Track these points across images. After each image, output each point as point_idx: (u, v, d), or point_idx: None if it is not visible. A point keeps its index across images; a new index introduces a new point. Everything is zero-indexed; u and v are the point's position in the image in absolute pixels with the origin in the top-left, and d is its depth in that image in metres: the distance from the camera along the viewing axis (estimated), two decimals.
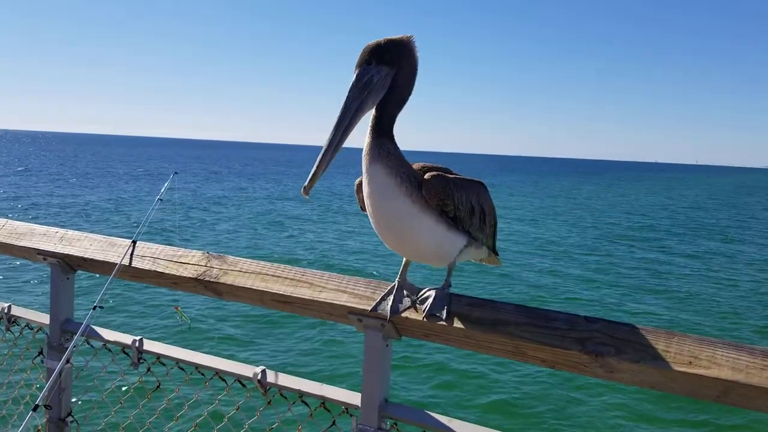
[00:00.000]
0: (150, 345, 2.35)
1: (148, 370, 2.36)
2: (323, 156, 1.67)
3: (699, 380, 1.47)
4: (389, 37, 1.74)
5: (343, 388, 2.02)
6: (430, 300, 1.82)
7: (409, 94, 1.79)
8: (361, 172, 1.76)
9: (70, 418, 2.50)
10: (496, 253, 2.13)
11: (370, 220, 1.80)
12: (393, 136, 1.76)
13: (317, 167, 1.65)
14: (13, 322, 2.73)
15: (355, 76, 1.72)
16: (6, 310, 2.73)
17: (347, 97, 1.70)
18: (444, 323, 1.76)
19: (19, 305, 2.76)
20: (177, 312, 2.71)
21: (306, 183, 1.64)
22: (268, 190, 46.95)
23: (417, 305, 1.84)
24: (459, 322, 1.75)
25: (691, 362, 1.48)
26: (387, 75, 1.73)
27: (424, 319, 1.79)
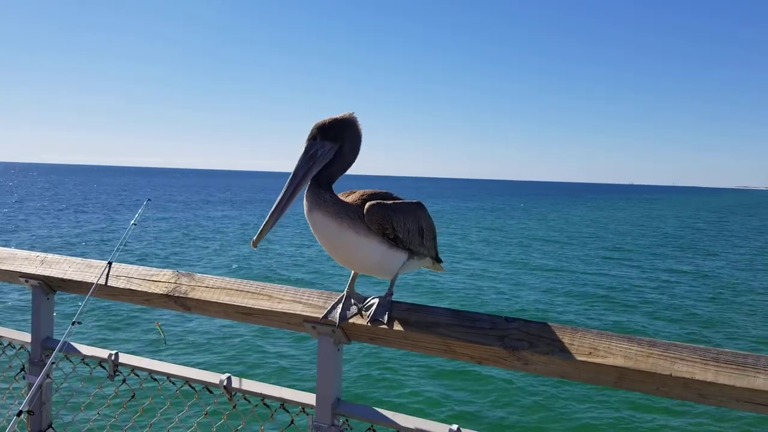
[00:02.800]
0: (125, 358, 2.54)
1: (124, 381, 2.54)
2: (272, 214, 1.91)
3: (598, 368, 1.71)
4: (333, 116, 1.99)
5: (300, 390, 2.23)
6: (374, 307, 2.05)
7: (352, 161, 2.04)
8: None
9: (50, 430, 2.68)
10: (439, 261, 2.38)
11: (323, 248, 2.04)
12: (331, 188, 2.01)
13: (265, 224, 1.90)
14: None
15: (304, 148, 1.98)
16: None
17: (296, 165, 1.96)
18: (385, 327, 1.99)
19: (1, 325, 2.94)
20: (157, 327, 2.91)
21: (255, 237, 1.90)
22: (240, 216, 48.80)
23: (363, 312, 2.07)
24: (398, 326, 1.98)
25: (591, 353, 1.72)
26: (330, 149, 1.99)
27: (369, 324, 2.02)
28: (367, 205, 2.00)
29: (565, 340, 1.77)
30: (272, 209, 1.92)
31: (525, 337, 1.81)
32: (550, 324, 1.84)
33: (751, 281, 23.70)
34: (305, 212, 1.97)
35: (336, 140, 1.99)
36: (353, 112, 2.02)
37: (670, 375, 1.61)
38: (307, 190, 1.98)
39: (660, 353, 1.66)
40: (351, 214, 1.98)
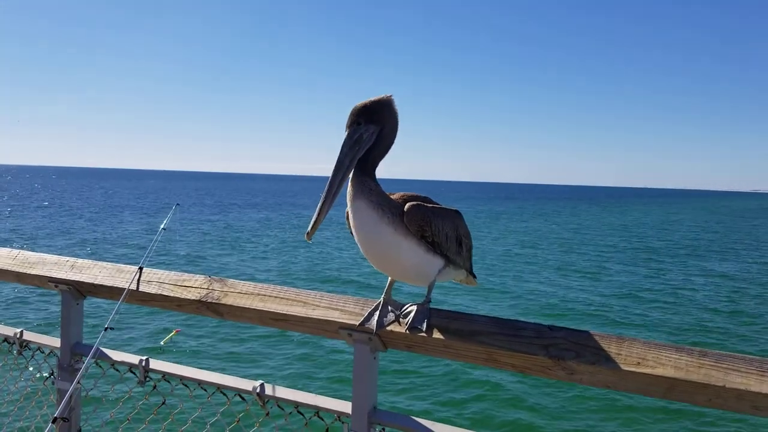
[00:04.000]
0: (155, 364, 2.52)
1: (154, 387, 2.53)
2: (323, 205, 1.89)
3: (647, 379, 1.67)
4: (373, 98, 1.98)
5: (335, 398, 2.21)
6: (412, 314, 2.02)
7: (391, 144, 2.03)
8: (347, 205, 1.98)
9: None
10: (473, 275, 2.35)
11: (359, 246, 2.01)
12: (375, 175, 1.99)
13: (318, 215, 1.87)
14: (24, 346, 2.90)
15: (346, 134, 1.95)
16: (18, 335, 2.90)
17: (341, 152, 1.93)
18: (424, 335, 1.96)
19: (30, 330, 2.94)
20: (173, 334, 2.90)
21: (309, 229, 1.87)
22: (271, 219, 48.56)
23: (400, 319, 2.04)
24: (438, 333, 1.95)
25: (639, 363, 1.68)
26: (374, 132, 1.97)
27: (407, 332, 1.99)
28: (407, 205, 1.98)
29: (612, 349, 1.73)
30: (322, 200, 1.90)
31: (570, 347, 1.77)
32: (594, 333, 1.80)
33: None
34: (348, 199, 1.95)
35: (378, 123, 1.97)
36: (391, 95, 2.00)
37: (724, 386, 1.57)
38: (352, 176, 1.96)
39: (712, 364, 1.62)
40: (393, 209, 1.95)
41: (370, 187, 1.95)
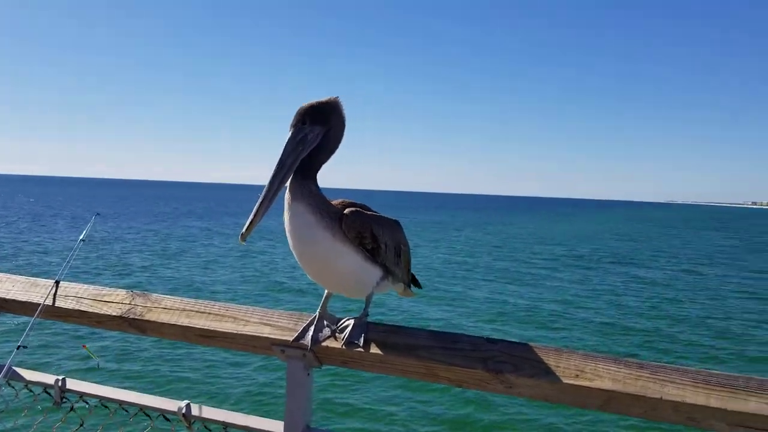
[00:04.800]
0: (73, 384, 2.36)
1: (72, 409, 2.37)
2: (260, 206, 1.79)
3: (585, 391, 1.65)
4: (320, 99, 1.90)
5: (267, 417, 2.11)
6: (349, 329, 1.95)
7: (337, 147, 1.95)
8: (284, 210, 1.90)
9: None
10: (414, 286, 2.30)
11: (293, 253, 1.92)
12: (316, 179, 1.92)
13: (254, 216, 1.78)
14: None
15: (290, 134, 1.87)
16: None
17: (283, 152, 1.84)
18: (361, 350, 1.89)
19: None
20: (86, 350, 2.74)
21: (243, 230, 1.76)
22: (200, 228, 47.07)
23: (337, 334, 1.97)
24: (375, 348, 1.88)
25: (577, 375, 1.67)
26: (319, 134, 1.89)
27: (343, 347, 1.92)
28: (346, 210, 1.91)
29: (551, 362, 1.71)
30: (260, 201, 1.80)
31: (509, 360, 1.74)
32: (533, 345, 1.78)
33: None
34: (286, 202, 1.87)
35: (324, 124, 1.90)
36: (338, 96, 1.93)
37: (661, 398, 1.57)
38: (292, 179, 1.87)
39: (649, 375, 1.62)
40: (331, 214, 1.88)
41: (310, 190, 1.87)
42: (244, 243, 1.80)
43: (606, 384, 1.63)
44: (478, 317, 18.27)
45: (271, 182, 1.82)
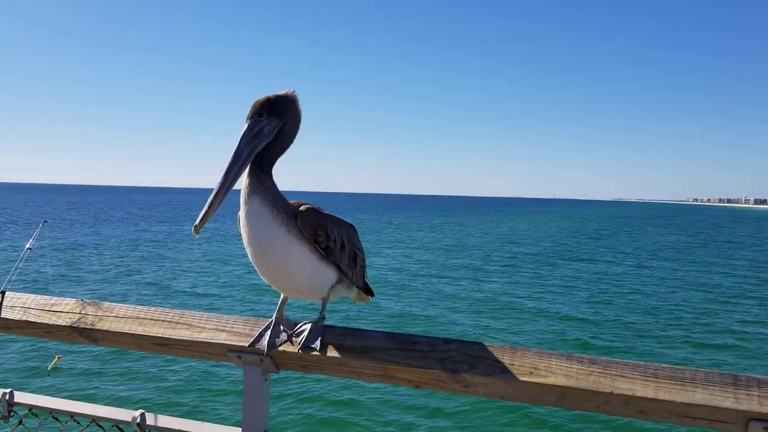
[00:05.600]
0: (21, 396, 2.29)
1: (20, 423, 2.30)
2: (214, 198, 1.78)
3: (539, 388, 1.69)
4: (277, 92, 1.90)
5: (224, 424, 2.09)
6: (306, 333, 1.94)
7: (291, 142, 1.95)
8: (240, 205, 1.88)
9: None
10: (366, 292, 2.30)
11: (247, 250, 1.90)
12: (272, 174, 1.91)
13: (208, 208, 1.76)
14: None
15: (246, 126, 1.86)
16: None
17: (239, 144, 1.83)
18: (318, 353, 1.89)
19: None
20: (56, 361, 2.66)
21: (197, 222, 1.75)
22: (146, 234, 46.04)
23: (293, 339, 1.96)
24: (333, 351, 1.88)
25: (532, 372, 1.70)
26: (275, 126, 1.89)
27: (300, 351, 1.91)
28: (302, 207, 1.91)
29: (506, 360, 1.74)
30: (214, 192, 1.79)
31: (465, 359, 1.77)
32: (488, 344, 1.80)
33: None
34: (242, 195, 1.85)
35: (281, 118, 1.90)
36: (294, 90, 1.93)
37: (612, 393, 1.61)
38: (249, 172, 1.86)
39: (601, 371, 1.66)
40: (288, 211, 1.88)
41: (266, 185, 1.86)
42: (197, 235, 1.78)
43: (560, 380, 1.67)
44: (436, 317, 18.46)
45: (227, 173, 1.82)
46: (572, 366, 1.69)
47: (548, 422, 10.02)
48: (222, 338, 2.00)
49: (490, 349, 1.78)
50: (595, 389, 1.63)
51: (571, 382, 1.66)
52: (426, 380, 1.81)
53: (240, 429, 1.99)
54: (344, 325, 1.99)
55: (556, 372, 1.69)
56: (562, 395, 1.68)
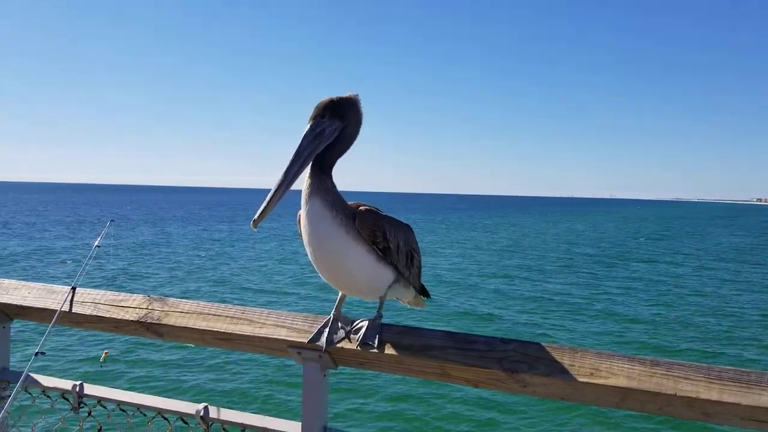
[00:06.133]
0: (91, 389, 2.38)
1: (89, 414, 2.39)
2: (273, 194, 1.83)
3: (600, 389, 1.67)
4: (340, 95, 1.94)
5: (284, 418, 2.13)
6: (363, 330, 1.97)
7: (352, 144, 1.99)
8: (301, 205, 1.92)
9: None
10: (422, 295, 2.31)
11: (307, 250, 1.94)
12: (332, 175, 1.95)
13: (267, 203, 1.81)
14: None
15: (308, 127, 1.90)
16: None
17: (300, 144, 1.87)
18: (376, 351, 1.91)
19: None
20: (104, 356, 2.75)
21: (256, 216, 1.79)
22: (207, 233, 47.45)
23: (351, 336, 1.99)
24: (390, 349, 1.91)
25: (592, 373, 1.69)
26: (337, 128, 1.92)
27: (358, 348, 1.94)
28: (361, 209, 1.94)
29: (565, 361, 1.73)
30: (274, 189, 1.84)
31: (523, 359, 1.76)
32: (547, 345, 1.80)
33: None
34: (303, 195, 1.90)
35: (342, 120, 1.93)
36: (357, 94, 1.97)
37: (675, 394, 1.59)
38: (310, 173, 1.90)
39: (663, 372, 1.64)
40: (347, 212, 1.91)
41: (326, 186, 1.90)
42: (255, 230, 1.83)
43: (621, 381, 1.65)
44: (492, 316, 18.38)
45: (287, 171, 1.86)
46: (634, 367, 1.67)
47: (606, 421, 9.87)
48: (282, 334, 2.05)
49: (549, 349, 1.78)
50: (657, 391, 1.61)
51: (633, 384, 1.64)
52: (484, 380, 1.81)
53: (300, 424, 2.03)
54: (400, 323, 2.01)
55: (618, 373, 1.67)
56: (623, 397, 1.66)
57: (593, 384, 1.67)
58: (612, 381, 1.66)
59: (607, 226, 78.14)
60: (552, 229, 66.59)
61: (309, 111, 1.93)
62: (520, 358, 1.77)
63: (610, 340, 15.58)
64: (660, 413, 1.64)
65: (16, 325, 2.69)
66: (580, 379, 1.69)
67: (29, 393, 2.50)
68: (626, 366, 1.68)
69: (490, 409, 10.48)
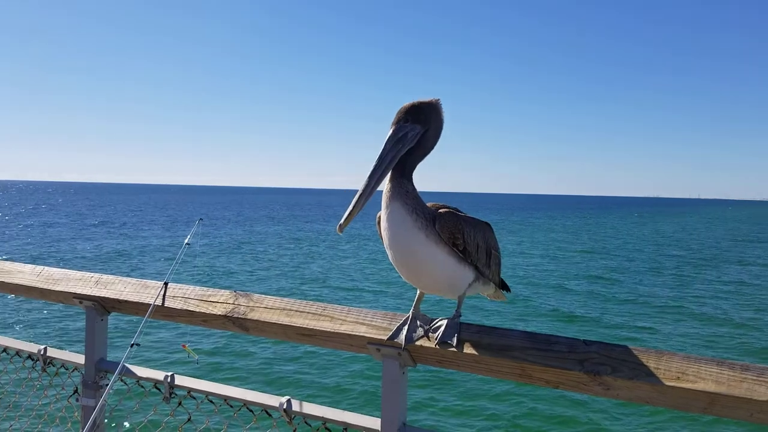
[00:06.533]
0: (181, 380, 2.50)
1: (180, 404, 2.51)
2: (359, 198, 1.87)
3: (687, 393, 1.63)
4: (422, 99, 1.97)
5: (364, 414, 2.17)
6: (442, 328, 1.99)
7: (432, 148, 2.01)
8: (381, 208, 1.96)
9: None
10: (503, 289, 2.32)
11: (387, 252, 1.98)
12: (412, 178, 1.98)
13: (353, 207, 1.85)
14: (48, 363, 2.89)
15: (392, 131, 1.94)
16: (42, 352, 2.89)
17: (383, 148, 1.91)
18: (455, 349, 1.93)
19: (54, 347, 2.93)
20: (185, 350, 2.88)
21: (342, 221, 1.84)
22: (296, 232, 49.01)
23: (430, 334, 2.01)
24: (469, 348, 1.91)
25: (679, 377, 1.64)
26: (418, 132, 1.95)
27: (437, 346, 1.96)
28: (440, 211, 1.96)
29: (651, 364, 1.69)
30: (359, 194, 1.88)
31: (606, 361, 1.73)
32: (632, 347, 1.76)
33: None
34: (384, 199, 1.93)
35: (424, 124, 1.96)
36: (439, 99, 1.99)
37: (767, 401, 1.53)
38: (391, 176, 1.94)
39: (754, 378, 1.57)
40: (426, 215, 1.93)
41: (407, 190, 1.93)
42: (341, 233, 1.88)
43: (709, 386, 1.60)
44: (573, 317, 18.10)
45: (371, 176, 1.89)
46: (723, 372, 1.62)
47: (690, 426, 9.53)
48: (362, 331, 2.09)
49: (634, 352, 1.74)
50: (749, 397, 1.55)
51: (722, 389, 1.59)
52: (565, 381, 1.79)
53: (379, 420, 2.07)
54: (479, 322, 2.02)
55: (706, 378, 1.62)
56: (711, 402, 1.61)
57: (679, 388, 1.63)
58: (700, 385, 1.61)
59: (697, 227, 75.06)
60: (637, 230, 64.59)
61: (391, 115, 1.97)
62: (603, 361, 1.74)
63: (698, 344, 14.99)
64: (750, 420, 1.58)
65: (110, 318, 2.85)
66: (667, 383, 1.64)
67: (124, 382, 2.65)
68: (714, 370, 1.63)
69: (570, 407, 10.33)
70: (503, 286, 2.31)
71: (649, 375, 1.67)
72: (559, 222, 80.00)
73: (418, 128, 1.95)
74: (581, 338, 1.83)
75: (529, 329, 1.97)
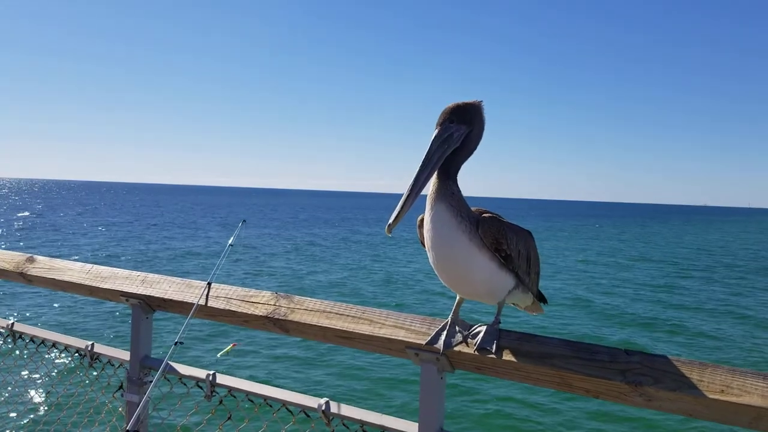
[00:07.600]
0: (222, 379, 2.55)
1: (221, 402, 2.55)
2: (407, 198, 1.88)
3: (731, 407, 1.59)
4: (466, 100, 1.98)
5: (402, 418, 2.18)
6: (481, 335, 1.98)
7: (475, 149, 2.02)
8: (425, 210, 1.97)
9: None
10: (541, 301, 2.30)
11: (429, 255, 1.98)
12: (457, 180, 1.98)
13: (401, 208, 1.87)
14: (95, 358, 2.98)
15: (437, 131, 1.95)
16: (89, 348, 2.98)
17: (429, 149, 1.93)
18: (494, 356, 1.92)
19: (101, 343, 3.02)
20: (229, 349, 2.92)
21: (390, 221, 1.85)
22: (334, 235, 49.36)
23: (468, 340, 2.00)
24: (509, 355, 1.90)
25: (723, 390, 1.61)
26: (463, 133, 1.96)
27: (476, 353, 1.95)
28: (484, 216, 1.95)
29: (694, 376, 1.66)
30: (406, 195, 1.89)
31: (648, 372, 1.71)
32: (674, 358, 1.73)
33: None
34: (429, 200, 1.94)
35: (468, 124, 1.97)
36: (482, 100, 2.00)
37: None
38: (436, 177, 1.95)
39: None
40: (470, 218, 1.93)
41: (452, 191, 1.93)
42: (390, 234, 1.89)
43: (755, 400, 1.57)
44: (614, 327, 17.81)
45: (417, 177, 1.90)
46: None
47: None
48: (401, 335, 2.10)
49: (676, 363, 1.71)
50: None
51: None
52: (605, 391, 1.77)
53: (417, 424, 2.07)
54: (516, 329, 2.00)
55: (752, 392, 1.58)
56: (757, 416, 1.57)
57: (724, 401, 1.60)
58: (745, 399, 1.58)
59: (747, 236, 72.99)
60: (686, 238, 63.12)
61: (435, 116, 1.98)
62: (645, 371, 1.71)
63: (742, 357, 14.59)
64: None
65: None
66: (710, 396, 1.61)
67: (168, 380, 2.71)
68: (761, 384, 1.59)
69: (610, 420, 10.16)
70: (541, 297, 2.29)
71: (691, 387, 1.64)
72: (605, 230, 78.66)
73: (463, 128, 1.96)
74: (623, 348, 1.81)
75: (569, 338, 1.95)
